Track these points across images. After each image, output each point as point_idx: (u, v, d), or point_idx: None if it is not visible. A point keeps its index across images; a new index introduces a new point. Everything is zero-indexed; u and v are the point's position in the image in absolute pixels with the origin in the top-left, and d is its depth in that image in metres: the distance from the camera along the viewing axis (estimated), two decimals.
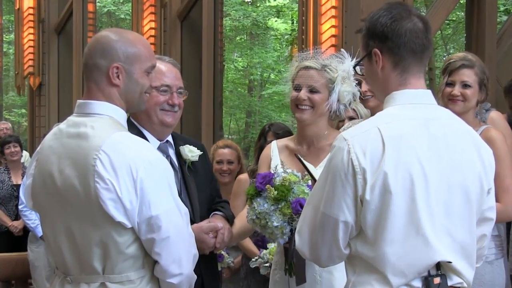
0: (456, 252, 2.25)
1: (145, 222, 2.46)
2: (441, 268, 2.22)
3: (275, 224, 2.93)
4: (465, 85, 3.78)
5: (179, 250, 2.53)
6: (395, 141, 2.20)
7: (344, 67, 3.24)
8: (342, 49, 3.38)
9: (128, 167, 2.43)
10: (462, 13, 14.85)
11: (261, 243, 4.56)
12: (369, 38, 2.36)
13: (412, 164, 2.20)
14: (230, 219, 3.24)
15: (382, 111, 2.34)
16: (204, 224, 3.09)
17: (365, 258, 2.25)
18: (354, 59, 3.23)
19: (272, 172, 3.05)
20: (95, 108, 2.57)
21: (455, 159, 2.27)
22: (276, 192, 2.94)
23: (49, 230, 2.63)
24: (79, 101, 2.63)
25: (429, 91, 2.38)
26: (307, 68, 3.24)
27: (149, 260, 2.54)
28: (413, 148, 2.21)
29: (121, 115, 2.61)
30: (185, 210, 2.59)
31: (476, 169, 2.31)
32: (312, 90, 3.21)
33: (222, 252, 4.95)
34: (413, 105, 2.31)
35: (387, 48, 2.31)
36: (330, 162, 2.28)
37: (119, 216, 2.43)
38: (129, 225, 2.46)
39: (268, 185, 2.96)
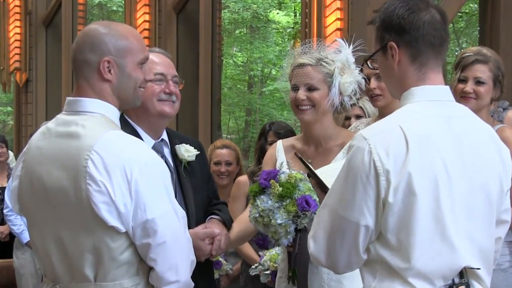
0: (475, 257, 2.26)
1: (140, 226, 2.45)
2: (465, 275, 2.23)
3: (279, 221, 2.94)
4: (478, 82, 3.77)
5: (176, 256, 2.53)
6: (419, 140, 2.21)
7: (340, 57, 3.21)
8: (338, 39, 3.36)
9: (122, 168, 2.43)
10: (476, 5, 14.85)
11: (262, 243, 4.56)
12: (384, 31, 2.36)
13: (436, 164, 2.21)
14: (227, 223, 3.25)
15: (401, 108, 2.34)
16: (200, 230, 3.09)
17: (387, 263, 2.24)
18: (351, 46, 3.23)
19: (278, 169, 3.05)
20: (86, 105, 2.57)
21: (477, 159, 2.29)
22: (281, 189, 2.94)
23: (37, 236, 2.63)
24: (68, 98, 2.63)
25: (448, 87, 2.38)
26: (301, 65, 3.22)
27: (144, 267, 2.54)
28: (437, 147, 2.22)
29: (114, 113, 2.61)
30: (182, 214, 2.59)
31: (497, 168, 2.34)
32: (310, 88, 3.20)
33: (220, 259, 4.95)
34: (433, 102, 2.32)
35: (404, 41, 2.32)
36: (348, 163, 2.27)
37: (112, 220, 2.43)
38: (123, 230, 2.46)
39: (272, 180, 2.96)
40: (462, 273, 2.23)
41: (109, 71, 2.57)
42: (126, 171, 2.43)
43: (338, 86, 3.20)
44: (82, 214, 2.45)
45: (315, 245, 2.35)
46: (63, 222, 2.50)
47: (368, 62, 2.58)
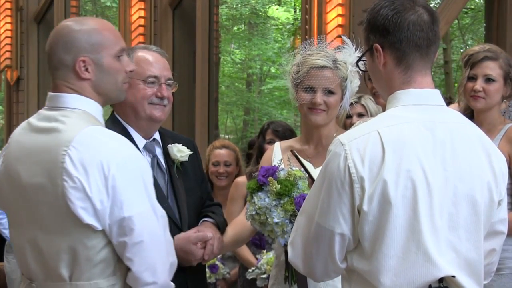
0: (461, 269, 2.22)
1: (116, 224, 2.46)
2: (444, 282, 2.20)
3: (276, 220, 2.94)
4: (489, 79, 3.75)
5: (154, 256, 2.53)
6: (396, 146, 2.19)
7: (351, 59, 3.22)
8: (343, 36, 3.35)
9: (100, 164, 2.42)
10: (482, 1, 14.87)
11: (259, 242, 4.56)
12: (369, 32, 2.34)
13: (415, 172, 2.18)
14: (221, 226, 3.24)
15: (383, 113, 2.33)
16: (192, 234, 3.08)
17: (361, 273, 2.24)
18: (359, 49, 3.22)
19: (277, 165, 3.04)
20: (66, 101, 2.57)
21: (462, 167, 2.25)
22: (279, 186, 2.94)
23: (14, 232, 2.66)
24: (50, 93, 2.63)
25: (437, 91, 2.35)
26: (320, 67, 3.20)
27: (121, 267, 2.54)
28: (416, 154, 2.19)
29: (96, 109, 2.61)
30: (162, 213, 2.59)
31: (485, 178, 2.29)
32: (328, 92, 3.20)
33: (217, 262, 4.94)
34: (418, 106, 2.29)
35: (389, 43, 2.30)
36: (325, 168, 2.27)
37: (88, 218, 2.43)
38: (99, 227, 2.46)
39: (270, 178, 2.96)
40: (442, 279, 2.19)
41: (86, 70, 2.57)
42: (103, 167, 2.43)
43: (350, 90, 3.23)
44: (58, 211, 2.46)
45: (293, 251, 2.37)
46: (39, 220, 2.51)
47: (359, 64, 2.57)
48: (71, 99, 2.57)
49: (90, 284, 2.49)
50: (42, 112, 2.62)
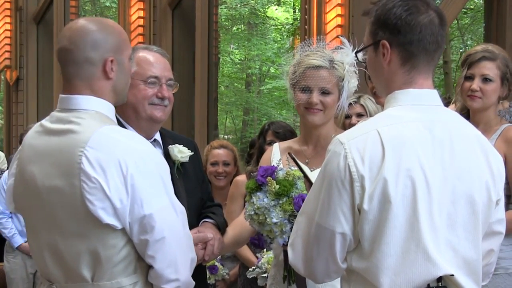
0: (460, 268, 2.23)
1: (137, 222, 2.46)
2: (442, 281, 2.20)
3: (274, 220, 2.94)
4: (485, 79, 3.75)
5: (175, 252, 2.53)
6: (395, 146, 2.19)
7: (349, 59, 3.22)
8: (340, 37, 3.34)
9: (117, 163, 2.42)
10: (481, 1, 14.88)
11: (258, 242, 4.56)
12: (378, 27, 2.32)
13: (414, 171, 2.18)
14: (221, 227, 3.24)
15: (382, 112, 2.33)
16: (192, 234, 3.07)
17: (361, 273, 2.25)
18: (357, 48, 3.21)
19: (276, 165, 3.04)
20: (80, 103, 2.56)
21: (460, 166, 2.25)
22: (277, 187, 2.94)
23: (31, 236, 2.65)
24: (61, 95, 2.62)
25: (435, 91, 2.35)
26: (316, 67, 3.21)
27: (141, 265, 2.55)
28: (415, 153, 2.19)
29: (109, 109, 2.61)
30: (181, 209, 2.60)
31: (483, 177, 2.29)
32: (324, 92, 3.20)
33: (216, 263, 4.94)
34: (416, 106, 2.29)
35: (398, 42, 2.29)
36: (325, 167, 2.27)
37: (107, 218, 2.43)
38: (120, 226, 2.45)
39: (269, 178, 2.96)
40: (440, 279, 2.20)
41: (112, 70, 2.57)
42: (121, 166, 2.42)
43: (348, 90, 3.23)
44: (76, 213, 2.45)
45: (293, 253, 2.36)
46: (56, 223, 2.50)
47: (358, 55, 2.56)
48: (83, 101, 2.56)
49: (112, 284, 2.50)
50: (55, 114, 2.61)
